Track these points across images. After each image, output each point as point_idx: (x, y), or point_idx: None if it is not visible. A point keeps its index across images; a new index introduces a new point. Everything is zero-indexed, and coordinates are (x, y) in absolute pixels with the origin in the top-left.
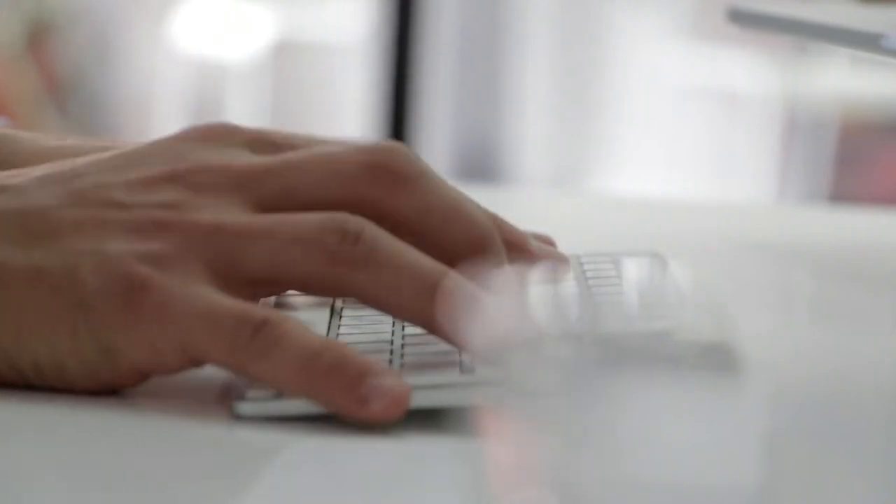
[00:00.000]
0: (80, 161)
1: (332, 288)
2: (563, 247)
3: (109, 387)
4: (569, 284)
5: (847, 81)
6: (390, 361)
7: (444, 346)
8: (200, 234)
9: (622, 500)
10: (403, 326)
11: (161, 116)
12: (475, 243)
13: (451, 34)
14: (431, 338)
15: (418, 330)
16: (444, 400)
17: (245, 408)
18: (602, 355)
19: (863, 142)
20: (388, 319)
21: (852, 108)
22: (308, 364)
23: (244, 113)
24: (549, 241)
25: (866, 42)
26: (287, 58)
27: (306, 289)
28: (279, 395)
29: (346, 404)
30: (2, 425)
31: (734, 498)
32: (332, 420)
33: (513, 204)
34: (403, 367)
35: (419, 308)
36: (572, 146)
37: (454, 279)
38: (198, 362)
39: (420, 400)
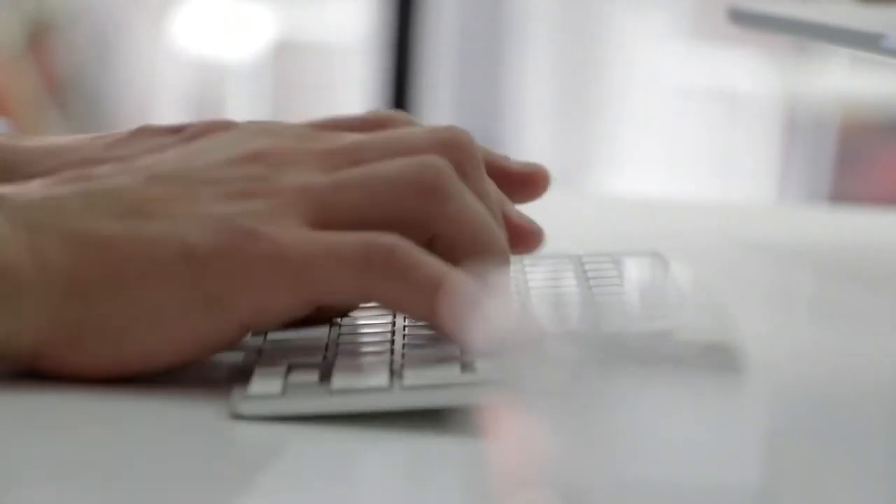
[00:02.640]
0: (143, 159)
1: (420, 224)
2: (564, 247)
3: (204, 344)
4: (570, 284)
5: (847, 81)
6: (391, 361)
7: (444, 346)
8: (292, 193)
9: (622, 500)
10: (405, 326)
11: (161, 116)
12: (487, 255)
13: (451, 34)
14: (432, 337)
15: (419, 329)
16: (444, 400)
17: (245, 407)
18: (602, 355)
19: (863, 142)
20: (389, 317)
21: (852, 108)
22: (437, 293)
23: (244, 113)
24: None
25: (866, 42)
26: (287, 58)
27: (395, 229)
28: (281, 394)
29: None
30: (2, 425)
31: (734, 498)
32: (332, 420)
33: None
34: (404, 366)
35: (433, 313)
36: (572, 146)
37: (461, 278)
38: (313, 302)
39: (420, 400)
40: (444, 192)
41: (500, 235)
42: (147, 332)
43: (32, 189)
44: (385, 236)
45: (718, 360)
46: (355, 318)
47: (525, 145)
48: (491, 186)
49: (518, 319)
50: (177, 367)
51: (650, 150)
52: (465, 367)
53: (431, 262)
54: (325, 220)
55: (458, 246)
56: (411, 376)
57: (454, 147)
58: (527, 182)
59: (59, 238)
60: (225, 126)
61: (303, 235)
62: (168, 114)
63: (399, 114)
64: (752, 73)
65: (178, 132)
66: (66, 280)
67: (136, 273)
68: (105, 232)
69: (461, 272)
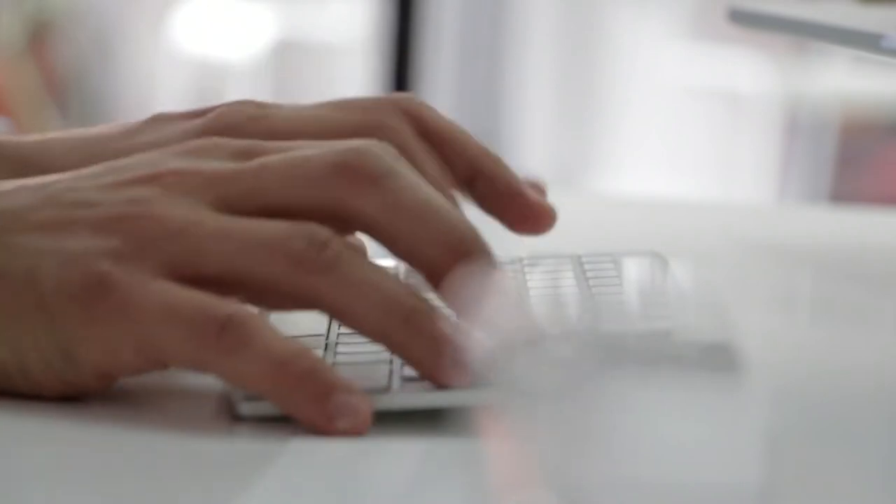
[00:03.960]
0: (65, 173)
1: (294, 294)
2: (564, 247)
3: (76, 390)
4: (570, 284)
5: (847, 81)
6: (390, 362)
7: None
8: (163, 229)
9: (622, 500)
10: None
11: None
12: (450, 244)
13: (452, 34)
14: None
15: None
16: (443, 400)
17: (245, 408)
18: (602, 355)
19: (863, 142)
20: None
21: (852, 108)
22: (278, 369)
23: None
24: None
25: (866, 42)
26: (287, 58)
27: (267, 294)
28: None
29: (313, 417)
30: (2, 425)
31: (734, 498)
32: None
33: None
34: (403, 367)
35: (383, 327)
36: (573, 146)
37: (426, 305)
38: (158, 363)
39: (420, 400)
40: (312, 263)
41: (455, 220)
42: (15, 377)
43: None
44: (224, 306)
45: (718, 360)
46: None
47: (525, 145)
48: (405, 196)
49: (517, 319)
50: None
51: (650, 150)
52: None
53: (271, 339)
54: (193, 266)
55: (400, 239)
56: (410, 377)
57: (348, 173)
58: (528, 218)
59: None
60: (251, 105)
61: (151, 289)
62: None
63: (420, 105)
64: (752, 73)
65: (194, 117)
66: None
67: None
68: None
69: (305, 356)
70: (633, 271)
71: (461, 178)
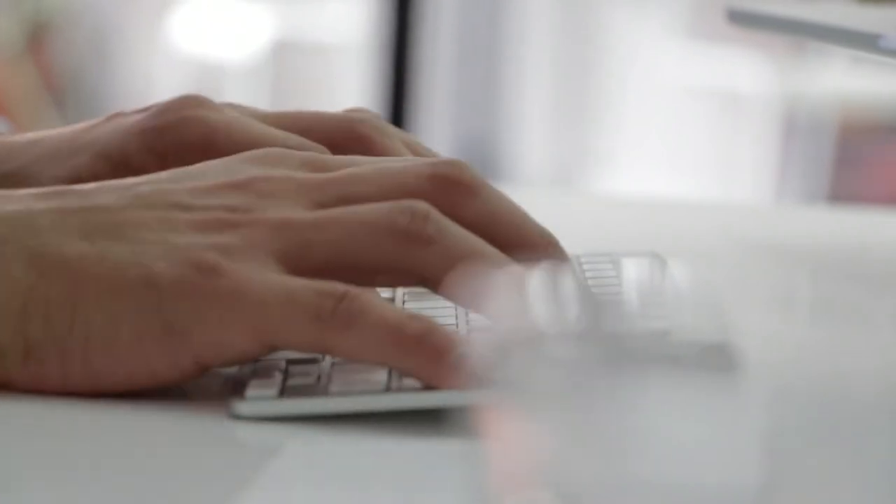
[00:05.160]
0: (137, 177)
1: (401, 269)
2: (564, 246)
3: (158, 374)
4: (569, 284)
5: (847, 81)
6: None
7: None
8: (268, 228)
9: (622, 500)
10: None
11: None
12: (543, 250)
13: (451, 34)
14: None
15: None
16: (442, 400)
17: (244, 408)
18: (602, 355)
19: (862, 142)
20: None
21: (852, 108)
22: (395, 334)
23: None
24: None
25: (865, 42)
26: (286, 58)
27: (376, 274)
28: (279, 395)
29: (438, 372)
30: (2, 426)
31: (734, 498)
32: (331, 420)
33: None
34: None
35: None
36: (571, 146)
37: (515, 266)
38: (271, 347)
39: (418, 400)
40: (418, 236)
41: (542, 228)
42: (99, 353)
43: (13, 199)
44: (338, 285)
45: (716, 360)
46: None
47: (524, 145)
48: (499, 205)
49: (517, 319)
50: (124, 392)
51: (649, 150)
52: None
53: (385, 308)
54: (300, 258)
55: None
56: (409, 377)
57: (445, 183)
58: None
59: (23, 253)
60: (193, 103)
61: (265, 277)
62: None
63: (372, 127)
64: (751, 73)
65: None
66: (25, 295)
67: (94, 294)
68: (69, 251)
69: (421, 318)
70: (632, 271)
71: None
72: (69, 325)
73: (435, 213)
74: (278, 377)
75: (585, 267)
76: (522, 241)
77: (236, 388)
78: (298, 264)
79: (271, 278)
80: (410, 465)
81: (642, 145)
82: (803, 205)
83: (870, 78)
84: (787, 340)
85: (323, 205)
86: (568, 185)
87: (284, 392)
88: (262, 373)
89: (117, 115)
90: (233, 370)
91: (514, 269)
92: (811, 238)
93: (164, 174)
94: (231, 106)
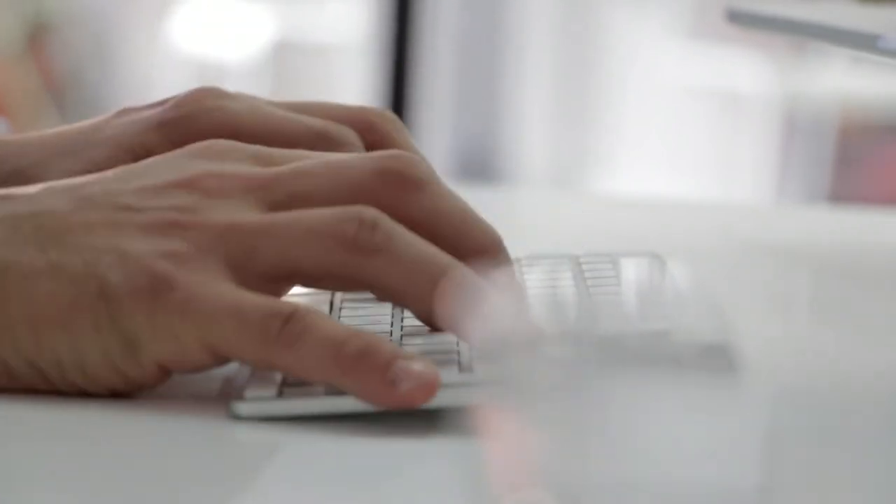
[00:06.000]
0: (85, 176)
1: (349, 277)
2: (563, 247)
3: (132, 384)
4: (568, 284)
5: (847, 81)
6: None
7: (442, 346)
8: (216, 232)
9: (622, 500)
10: (402, 326)
11: None
12: (486, 249)
13: (451, 34)
14: (429, 337)
15: (417, 328)
16: (443, 400)
17: (243, 408)
18: (602, 355)
19: (862, 142)
20: (387, 318)
21: (852, 108)
22: (337, 352)
23: None
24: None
25: (865, 42)
26: (286, 58)
27: (323, 280)
28: (278, 395)
29: (375, 388)
30: (2, 425)
31: (734, 498)
32: (330, 420)
33: (513, 204)
34: None
35: (431, 299)
36: (571, 146)
37: (465, 271)
38: (222, 359)
39: None
40: (366, 244)
41: (488, 226)
42: (73, 375)
43: None
44: (286, 305)
45: (716, 360)
46: (353, 318)
47: (524, 145)
48: (444, 202)
49: (517, 319)
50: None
51: (649, 150)
52: (463, 366)
53: (328, 328)
54: (247, 263)
55: (443, 241)
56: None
57: (391, 178)
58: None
59: None
60: (210, 94)
61: (217, 290)
62: None
63: (387, 119)
64: (751, 73)
65: (156, 107)
66: None
67: (55, 313)
68: (26, 266)
69: (362, 336)
70: (632, 272)
71: None
72: (36, 348)
73: (383, 220)
74: (277, 377)
75: (585, 267)
76: (466, 239)
77: (236, 388)
78: (246, 270)
79: (223, 292)
80: (410, 465)
81: (642, 145)
82: (803, 205)
83: (870, 78)
84: (786, 341)
85: (270, 204)
86: (568, 185)
87: (283, 392)
88: (262, 373)
89: (126, 110)
90: (232, 370)
91: (470, 275)
92: (811, 238)
93: (110, 173)
94: (244, 96)
